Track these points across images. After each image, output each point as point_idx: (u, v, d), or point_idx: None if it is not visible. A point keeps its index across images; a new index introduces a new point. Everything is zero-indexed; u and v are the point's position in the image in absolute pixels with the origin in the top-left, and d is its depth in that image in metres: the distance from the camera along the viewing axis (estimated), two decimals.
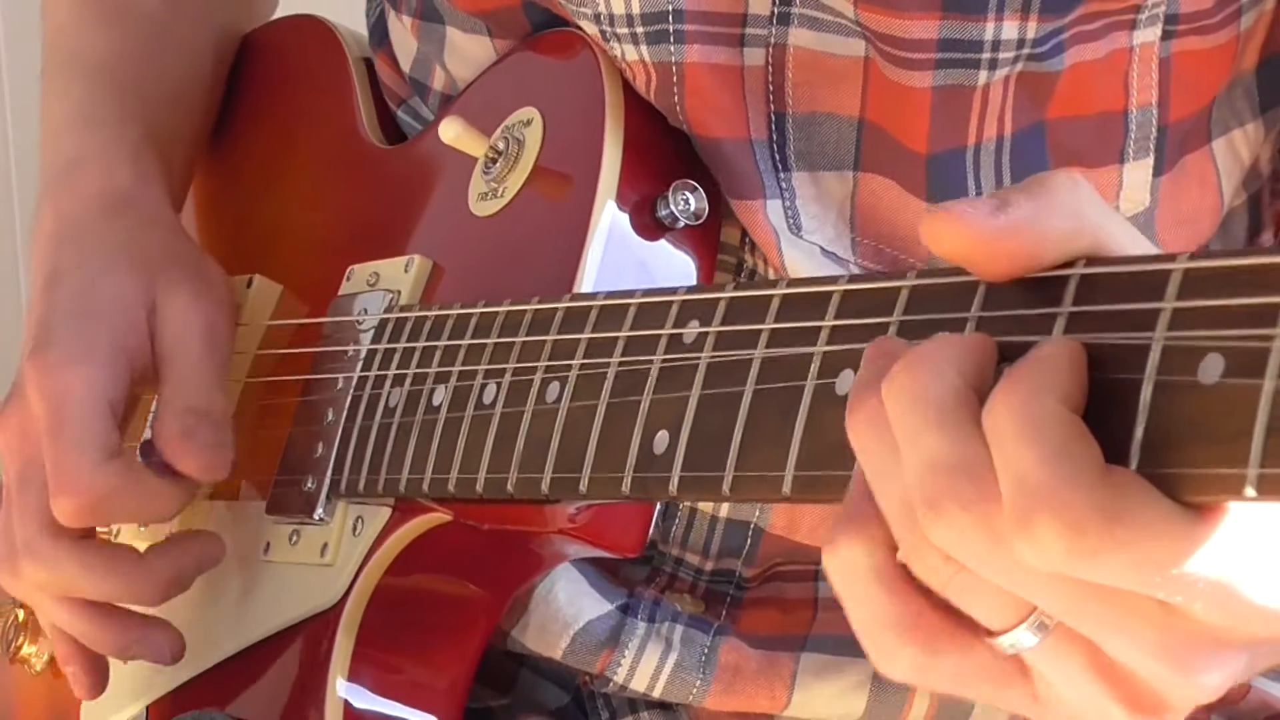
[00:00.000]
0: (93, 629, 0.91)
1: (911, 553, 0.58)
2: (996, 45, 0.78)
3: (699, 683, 0.89)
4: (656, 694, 0.90)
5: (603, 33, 0.84)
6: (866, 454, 0.59)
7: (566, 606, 0.90)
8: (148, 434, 0.99)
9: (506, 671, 0.96)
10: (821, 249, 0.83)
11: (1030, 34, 0.78)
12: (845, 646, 0.90)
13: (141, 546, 0.92)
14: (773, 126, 0.83)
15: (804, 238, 0.83)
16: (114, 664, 0.96)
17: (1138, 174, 0.84)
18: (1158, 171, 0.84)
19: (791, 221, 0.83)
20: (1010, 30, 0.78)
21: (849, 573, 0.59)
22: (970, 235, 0.57)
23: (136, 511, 0.89)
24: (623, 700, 0.94)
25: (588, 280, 0.81)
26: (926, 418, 0.56)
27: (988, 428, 0.55)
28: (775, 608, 0.91)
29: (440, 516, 0.83)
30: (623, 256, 0.82)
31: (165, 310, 0.92)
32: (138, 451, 0.94)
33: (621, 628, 0.90)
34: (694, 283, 0.83)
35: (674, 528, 0.90)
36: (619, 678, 0.90)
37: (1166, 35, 0.81)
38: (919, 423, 0.56)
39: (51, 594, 0.91)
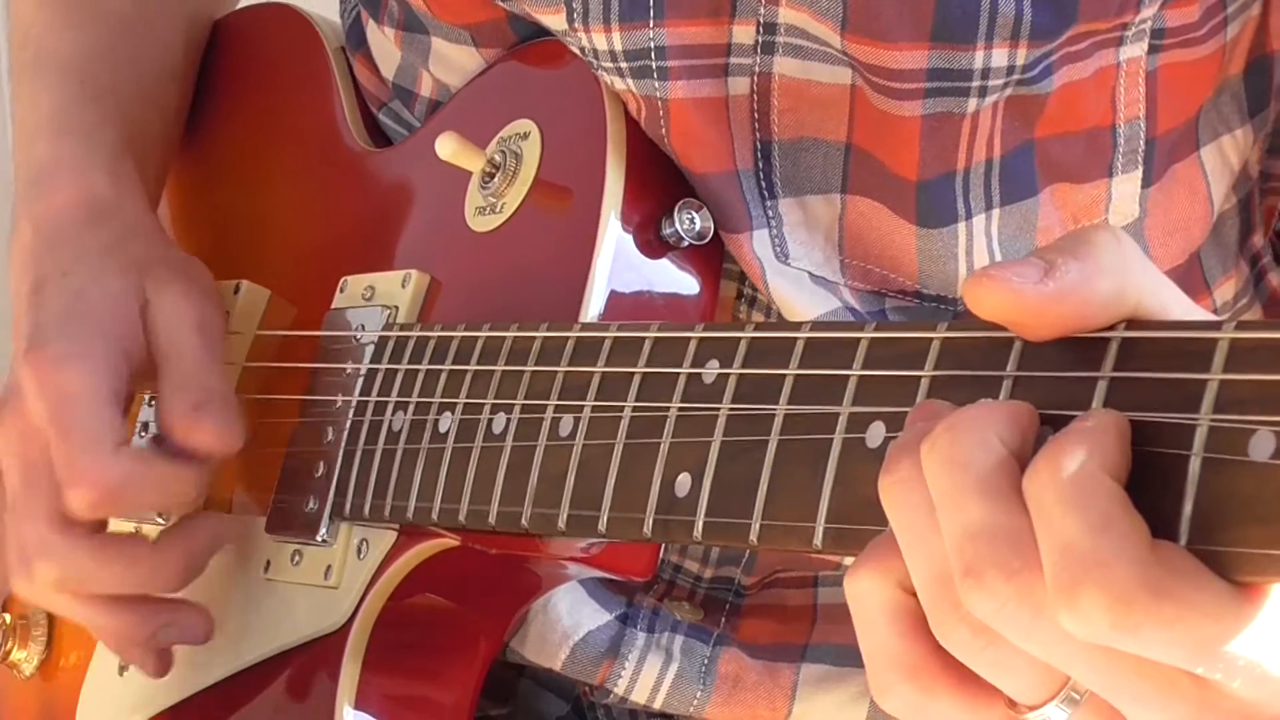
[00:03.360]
0: (119, 622, 0.90)
1: (941, 624, 0.58)
2: (986, 73, 0.78)
3: (699, 693, 0.90)
4: (657, 705, 0.90)
5: (589, 64, 0.83)
6: (898, 515, 0.59)
7: (565, 617, 0.90)
8: (139, 435, 0.98)
9: (506, 681, 0.96)
10: (810, 275, 0.83)
11: (1020, 60, 0.78)
12: (845, 657, 0.90)
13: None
14: (758, 154, 0.82)
15: (791, 264, 0.83)
16: (114, 676, 0.95)
17: (1126, 187, 0.83)
18: (1146, 183, 0.84)
19: (779, 249, 0.82)
20: (1000, 58, 0.77)
21: (863, 601, 0.60)
22: (1016, 302, 0.57)
23: (152, 499, 0.88)
24: (623, 711, 0.94)
25: (594, 298, 0.80)
26: (968, 483, 0.56)
27: (1030, 494, 0.55)
28: (774, 615, 0.91)
29: (447, 541, 0.82)
30: (628, 275, 0.81)
31: (157, 306, 0.91)
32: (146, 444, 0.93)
33: (621, 638, 0.90)
34: (698, 299, 0.83)
35: None
36: (619, 689, 0.90)
37: (1153, 49, 0.81)
38: (961, 487, 0.56)
39: (70, 592, 0.89)
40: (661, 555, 0.90)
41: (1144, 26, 0.80)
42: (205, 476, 0.89)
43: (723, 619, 0.91)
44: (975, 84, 0.78)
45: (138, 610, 0.90)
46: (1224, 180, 0.86)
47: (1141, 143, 0.82)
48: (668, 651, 0.89)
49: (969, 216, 0.81)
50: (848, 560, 0.89)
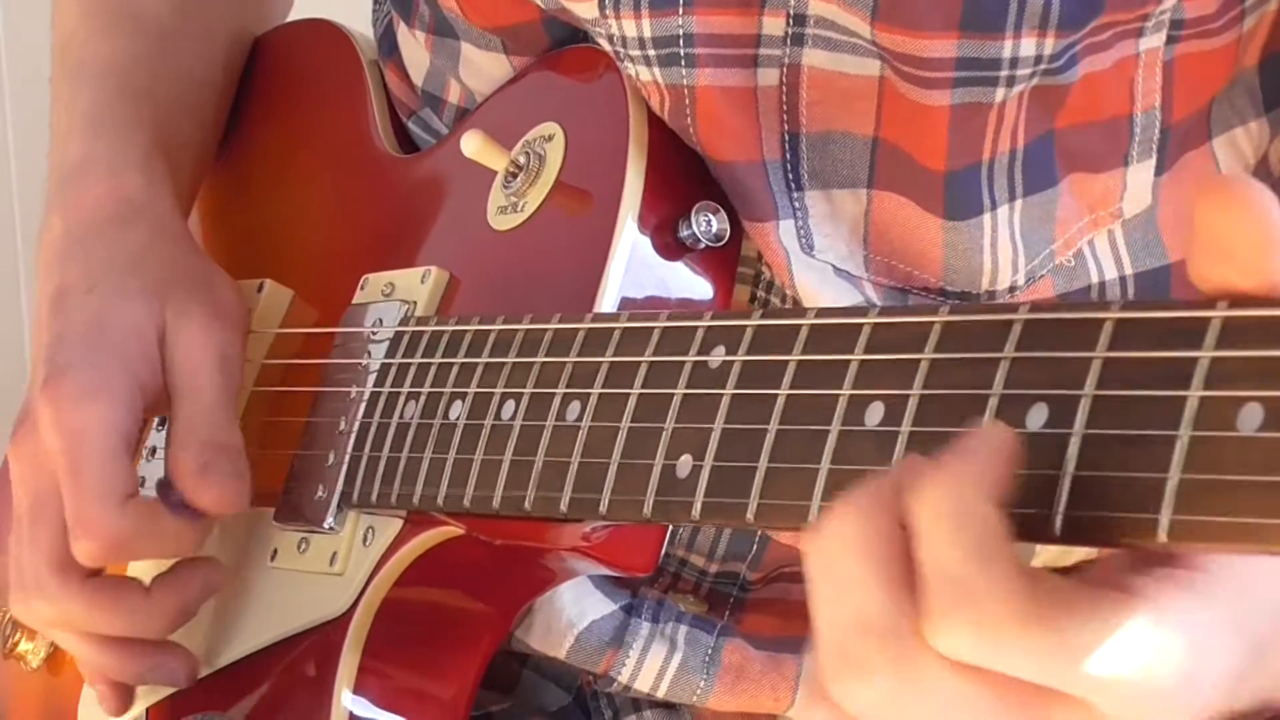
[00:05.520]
0: (106, 660, 0.91)
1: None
2: (1015, 63, 0.79)
3: (702, 683, 0.90)
4: (661, 694, 0.91)
5: (616, 53, 0.84)
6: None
7: (570, 607, 0.90)
8: (145, 462, 0.99)
9: (509, 672, 0.97)
10: (834, 268, 0.84)
11: (1048, 50, 0.79)
12: None
13: (145, 575, 0.92)
14: (786, 146, 0.83)
15: (816, 257, 0.83)
16: None
17: (1140, 175, 0.84)
18: (1159, 171, 0.84)
19: (804, 241, 0.83)
20: (1028, 47, 0.78)
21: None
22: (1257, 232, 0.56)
23: (155, 550, 0.90)
24: (625, 700, 0.95)
25: (608, 298, 0.81)
26: (862, 571, 0.59)
27: (912, 513, 0.58)
28: (779, 610, 0.92)
29: (452, 530, 0.83)
30: (643, 276, 0.82)
31: (177, 338, 0.92)
32: (154, 486, 0.94)
33: (626, 628, 0.90)
34: (712, 301, 0.84)
35: (680, 530, 0.90)
36: (623, 678, 0.90)
37: (1171, 40, 0.82)
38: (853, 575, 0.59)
39: (61, 629, 0.91)
40: (666, 549, 0.91)
41: (1164, 17, 0.81)
42: (206, 532, 0.90)
43: (727, 612, 0.91)
44: (1004, 73, 0.79)
45: (126, 652, 0.91)
46: (1237, 172, 0.87)
47: (1156, 131, 0.83)
48: (672, 641, 0.90)
49: (994, 207, 0.82)
50: None
